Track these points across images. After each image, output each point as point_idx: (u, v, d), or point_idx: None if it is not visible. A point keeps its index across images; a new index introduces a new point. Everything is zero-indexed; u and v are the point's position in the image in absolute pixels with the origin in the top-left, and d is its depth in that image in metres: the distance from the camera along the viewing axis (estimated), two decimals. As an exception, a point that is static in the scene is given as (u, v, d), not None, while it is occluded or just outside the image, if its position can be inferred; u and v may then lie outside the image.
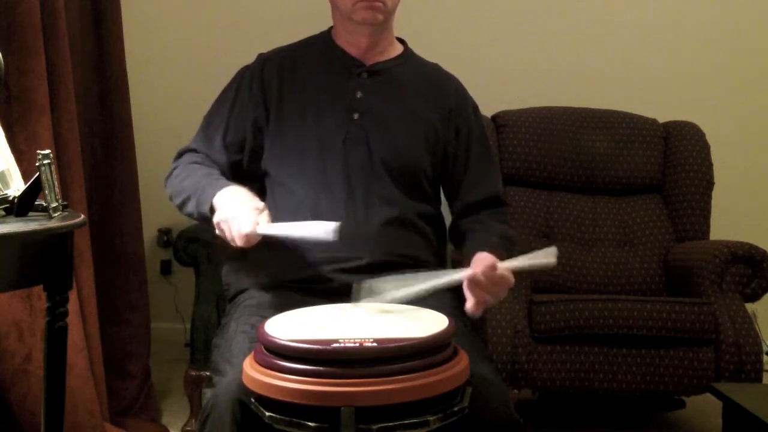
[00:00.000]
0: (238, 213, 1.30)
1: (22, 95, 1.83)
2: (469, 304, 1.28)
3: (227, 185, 1.41)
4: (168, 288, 3.28)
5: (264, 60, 1.62)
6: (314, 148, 1.52)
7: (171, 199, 1.53)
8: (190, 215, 1.48)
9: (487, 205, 1.60)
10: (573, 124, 2.78)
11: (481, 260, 1.29)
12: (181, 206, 1.49)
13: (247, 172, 1.59)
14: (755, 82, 3.30)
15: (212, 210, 1.38)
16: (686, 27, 3.29)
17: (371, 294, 1.22)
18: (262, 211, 1.31)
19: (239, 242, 1.28)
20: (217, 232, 1.34)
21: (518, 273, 1.29)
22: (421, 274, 1.27)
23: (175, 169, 1.56)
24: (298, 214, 1.48)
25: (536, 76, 3.25)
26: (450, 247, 1.66)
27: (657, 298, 2.34)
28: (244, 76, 1.61)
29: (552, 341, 2.21)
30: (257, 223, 1.27)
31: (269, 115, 1.56)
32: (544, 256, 1.27)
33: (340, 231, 1.20)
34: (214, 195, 1.38)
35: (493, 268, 1.25)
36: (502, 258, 1.30)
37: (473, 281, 1.26)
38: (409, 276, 1.26)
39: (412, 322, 1.17)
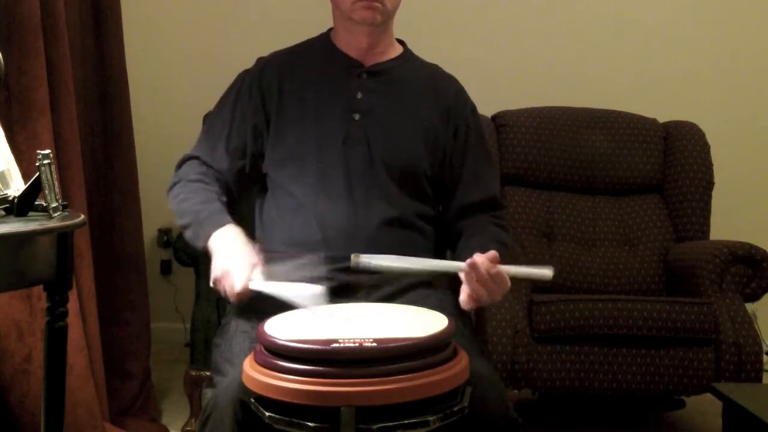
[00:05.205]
0: (232, 269, 1.31)
1: (22, 95, 1.83)
2: (463, 295, 1.28)
3: (223, 223, 1.42)
4: (168, 288, 3.28)
5: (263, 64, 1.62)
6: (314, 149, 1.52)
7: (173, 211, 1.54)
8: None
9: (483, 208, 1.59)
10: (573, 124, 2.78)
11: (482, 254, 1.28)
12: (181, 227, 1.51)
13: (248, 177, 1.59)
14: (755, 82, 3.30)
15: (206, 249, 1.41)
16: (686, 27, 3.30)
17: (368, 264, 1.26)
18: (255, 266, 1.32)
19: (232, 300, 1.31)
20: (211, 283, 1.36)
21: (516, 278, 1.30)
22: (422, 258, 1.30)
23: (176, 183, 1.55)
24: (298, 215, 1.49)
25: (536, 76, 3.25)
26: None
27: (657, 298, 2.34)
28: (243, 81, 1.61)
29: (552, 341, 2.21)
30: (249, 281, 1.29)
31: (269, 119, 1.56)
32: (541, 270, 1.27)
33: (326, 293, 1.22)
34: (209, 235, 1.41)
35: (495, 260, 1.25)
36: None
37: (473, 267, 1.24)
38: (408, 258, 1.29)
39: (412, 322, 1.17)
